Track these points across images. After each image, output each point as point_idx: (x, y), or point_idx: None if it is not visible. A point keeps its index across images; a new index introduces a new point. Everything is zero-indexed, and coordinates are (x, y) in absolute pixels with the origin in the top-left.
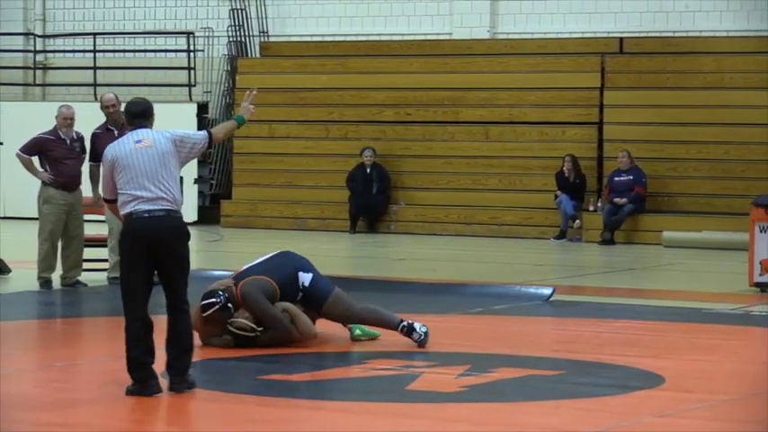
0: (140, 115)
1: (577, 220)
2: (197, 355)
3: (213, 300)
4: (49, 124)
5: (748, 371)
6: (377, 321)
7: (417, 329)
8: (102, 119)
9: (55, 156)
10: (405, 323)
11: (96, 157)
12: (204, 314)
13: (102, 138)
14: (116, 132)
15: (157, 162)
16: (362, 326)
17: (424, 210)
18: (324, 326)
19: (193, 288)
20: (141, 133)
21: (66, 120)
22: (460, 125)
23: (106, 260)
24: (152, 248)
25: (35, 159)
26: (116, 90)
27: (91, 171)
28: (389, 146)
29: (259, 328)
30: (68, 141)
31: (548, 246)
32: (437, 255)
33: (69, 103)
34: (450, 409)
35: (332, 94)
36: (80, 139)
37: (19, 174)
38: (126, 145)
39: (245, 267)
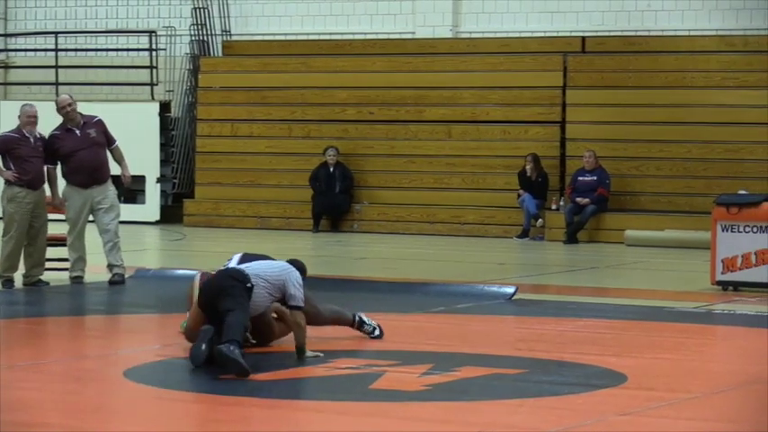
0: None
1: (540, 219)
2: (158, 356)
3: None
4: (11, 123)
5: (710, 369)
6: (340, 322)
7: (367, 321)
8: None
9: (20, 154)
10: (357, 317)
11: (55, 159)
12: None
13: (63, 138)
14: (78, 132)
15: None
16: None
17: (386, 209)
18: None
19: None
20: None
21: (31, 118)
22: (423, 124)
23: (67, 259)
24: None
25: None
26: (78, 89)
27: (48, 173)
28: (352, 145)
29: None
30: (32, 140)
31: (510, 244)
32: (400, 254)
33: (31, 102)
34: (413, 407)
35: (295, 92)
36: (42, 138)
37: None
38: None
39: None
